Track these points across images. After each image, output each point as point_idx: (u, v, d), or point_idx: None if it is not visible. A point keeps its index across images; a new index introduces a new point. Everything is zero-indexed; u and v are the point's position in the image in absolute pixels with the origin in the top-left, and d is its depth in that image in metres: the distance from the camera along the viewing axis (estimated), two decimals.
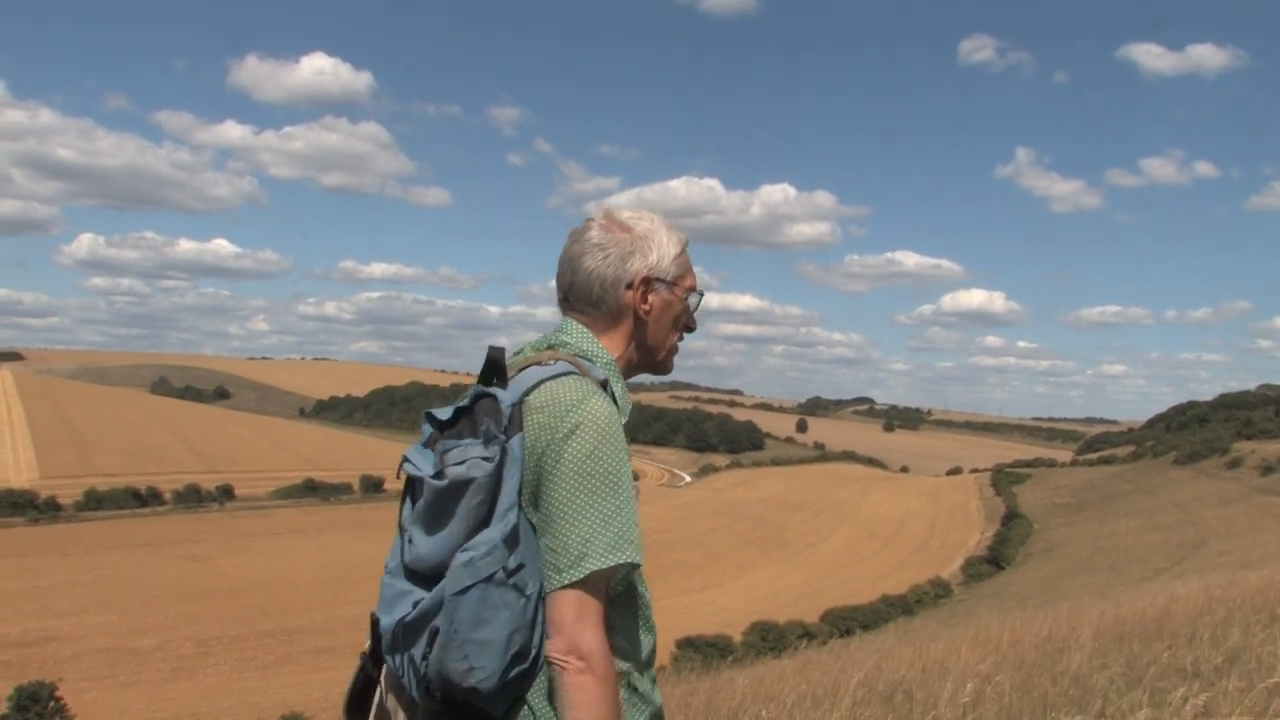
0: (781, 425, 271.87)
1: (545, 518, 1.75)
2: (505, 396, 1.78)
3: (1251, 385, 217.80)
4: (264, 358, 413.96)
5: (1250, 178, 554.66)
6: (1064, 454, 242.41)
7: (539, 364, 1.88)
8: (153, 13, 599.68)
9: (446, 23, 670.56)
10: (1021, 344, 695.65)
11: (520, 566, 1.69)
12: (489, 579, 1.65)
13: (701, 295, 2.10)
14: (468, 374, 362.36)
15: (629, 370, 2.04)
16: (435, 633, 1.66)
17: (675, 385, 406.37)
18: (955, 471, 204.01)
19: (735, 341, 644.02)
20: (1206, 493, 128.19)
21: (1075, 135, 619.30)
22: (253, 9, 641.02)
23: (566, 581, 1.71)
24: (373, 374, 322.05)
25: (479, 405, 1.78)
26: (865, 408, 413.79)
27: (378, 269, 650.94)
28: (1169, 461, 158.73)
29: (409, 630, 1.70)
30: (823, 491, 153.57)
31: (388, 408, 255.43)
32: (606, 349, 1.99)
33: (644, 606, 1.91)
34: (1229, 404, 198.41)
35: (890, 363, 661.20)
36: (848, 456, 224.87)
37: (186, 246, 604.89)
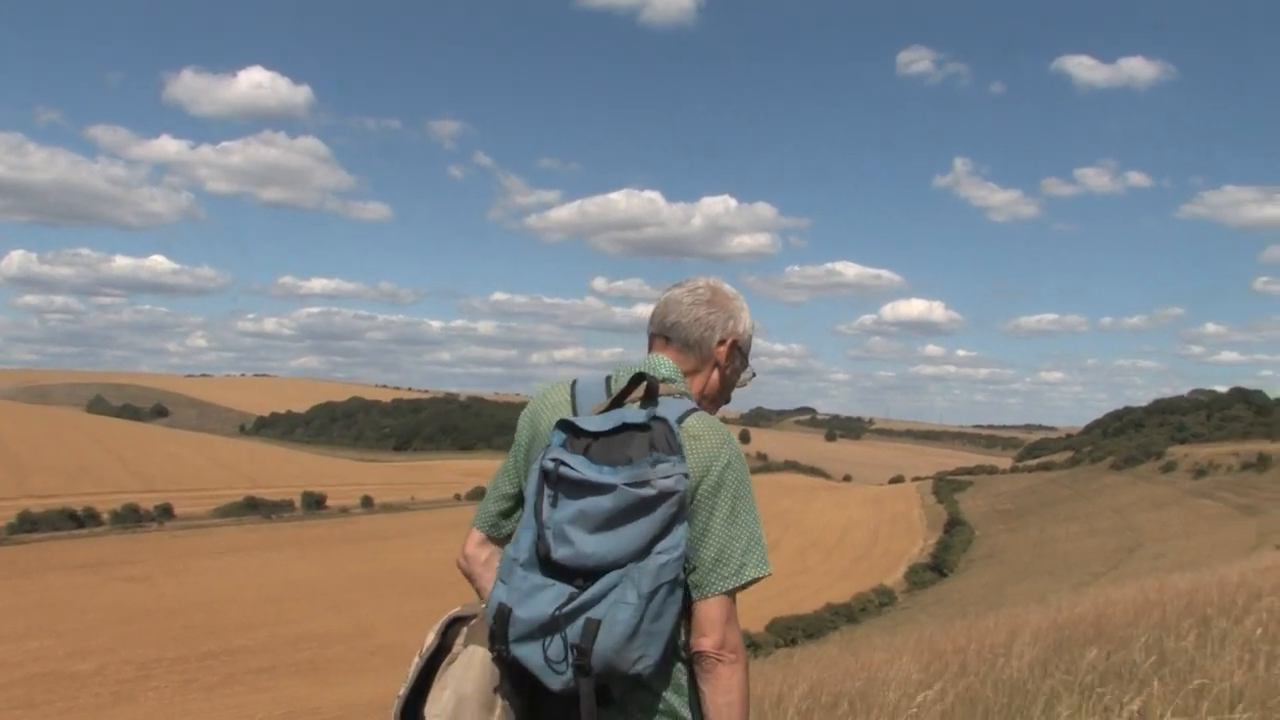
0: None
1: (709, 533, 2.02)
2: (670, 418, 2.00)
3: (1184, 390, 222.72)
4: (203, 375, 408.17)
5: (1181, 188, 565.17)
6: (1004, 461, 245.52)
7: (669, 395, 2.13)
8: (84, 25, 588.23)
9: (386, 36, 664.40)
10: (961, 352, 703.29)
11: (693, 569, 1.97)
12: (674, 580, 1.90)
13: (754, 375, 2.44)
14: (409, 389, 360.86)
15: None
16: (594, 623, 1.85)
17: None
18: (897, 480, 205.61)
19: None
20: (1142, 497, 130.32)
21: (1012, 146, 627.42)
22: (188, 22, 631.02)
23: (729, 587, 2.01)
24: (313, 390, 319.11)
25: (655, 425, 1.97)
26: (807, 418, 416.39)
27: (317, 284, 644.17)
28: (1106, 467, 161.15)
29: (567, 619, 1.87)
30: (766, 501, 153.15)
31: (329, 424, 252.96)
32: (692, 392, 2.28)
33: None
34: (1163, 409, 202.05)
35: (831, 372, 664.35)
36: (790, 466, 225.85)
37: (122, 263, 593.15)
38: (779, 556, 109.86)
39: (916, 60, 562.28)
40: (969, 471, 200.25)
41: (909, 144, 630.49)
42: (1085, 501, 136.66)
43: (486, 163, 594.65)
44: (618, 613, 1.85)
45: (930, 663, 6.47)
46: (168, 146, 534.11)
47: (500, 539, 2.32)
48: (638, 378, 2.12)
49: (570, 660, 1.88)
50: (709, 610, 1.99)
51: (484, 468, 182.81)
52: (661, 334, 2.33)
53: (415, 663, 2.08)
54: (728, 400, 2.43)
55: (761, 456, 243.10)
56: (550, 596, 1.90)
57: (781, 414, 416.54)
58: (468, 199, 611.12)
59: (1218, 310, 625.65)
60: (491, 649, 1.99)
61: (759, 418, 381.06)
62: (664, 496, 1.89)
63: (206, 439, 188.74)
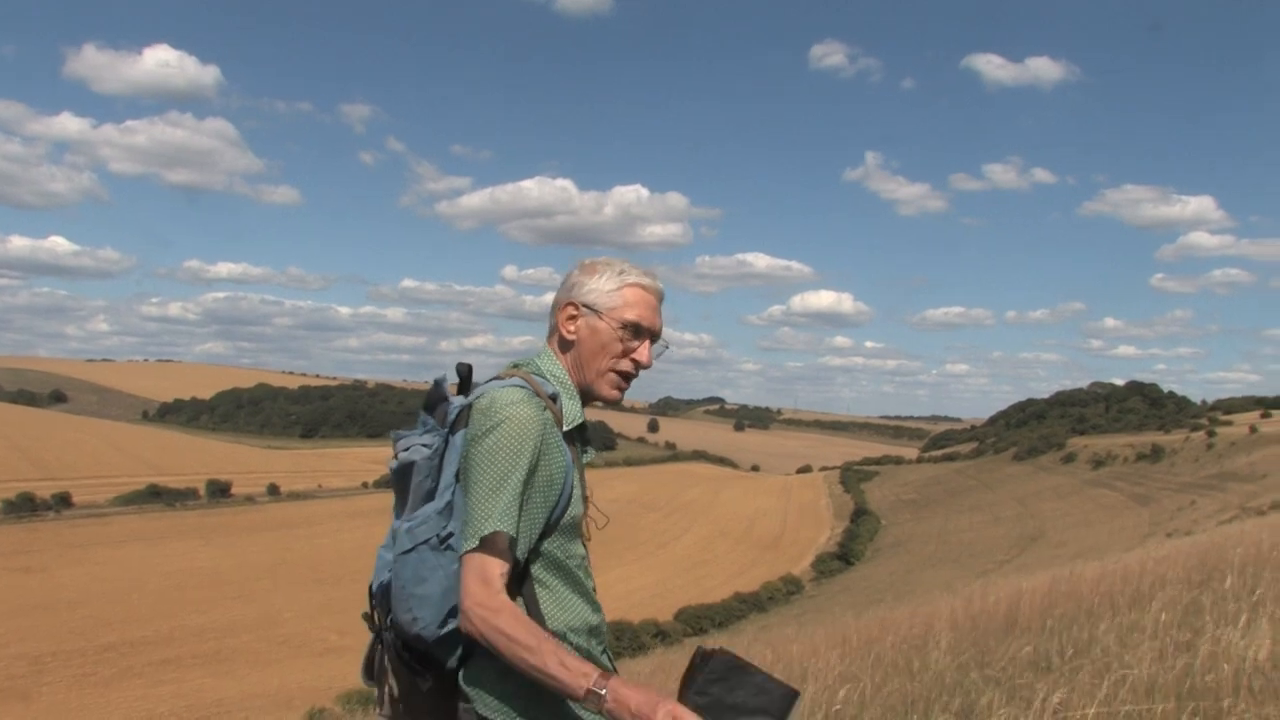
0: (633, 425, 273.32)
1: (465, 496, 2.11)
2: (456, 401, 2.21)
3: (1084, 383, 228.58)
4: (104, 359, 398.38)
5: (1084, 185, 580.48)
6: (910, 451, 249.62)
7: (501, 378, 2.27)
8: None
9: (297, 18, 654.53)
10: (869, 344, 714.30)
11: (451, 534, 2.09)
12: (425, 543, 2.07)
13: (655, 337, 2.39)
14: (316, 375, 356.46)
15: (583, 393, 2.37)
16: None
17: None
18: (805, 470, 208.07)
19: None
20: (1044, 487, 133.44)
21: (922, 140, 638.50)
22: None
23: (467, 548, 2.05)
24: (219, 376, 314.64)
25: (437, 408, 2.23)
26: (716, 407, 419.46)
27: (224, 269, 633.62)
28: (1009, 457, 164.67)
29: (385, 592, 2.16)
30: (675, 491, 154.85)
31: (235, 410, 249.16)
32: (563, 368, 2.35)
33: (575, 568, 2.25)
34: (1064, 401, 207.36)
35: (741, 363, 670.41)
36: (699, 456, 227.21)
37: (19, 243, 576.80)
38: (688, 544, 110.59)
39: (829, 54, 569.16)
40: (876, 462, 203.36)
41: (821, 137, 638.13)
42: (989, 491, 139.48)
43: (398, 148, 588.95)
44: (393, 578, 2.11)
45: (846, 654, 6.45)
46: (68, 124, 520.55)
47: None
48: (459, 368, 2.33)
49: (393, 629, 2.15)
50: (460, 570, 2.06)
51: (391, 455, 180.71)
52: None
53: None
54: (627, 369, 2.38)
55: (670, 446, 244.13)
56: (385, 572, 2.20)
57: (690, 404, 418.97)
58: (379, 185, 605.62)
59: (1117, 306, 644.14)
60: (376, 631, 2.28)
61: (667, 407, 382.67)
62: (406, 468, 2.16)
63: (107, 425, 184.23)
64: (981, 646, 5.85)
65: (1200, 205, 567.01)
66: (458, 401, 2.22)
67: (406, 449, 2.16)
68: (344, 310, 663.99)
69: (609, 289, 2.35)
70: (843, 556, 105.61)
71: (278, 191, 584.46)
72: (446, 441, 2.16)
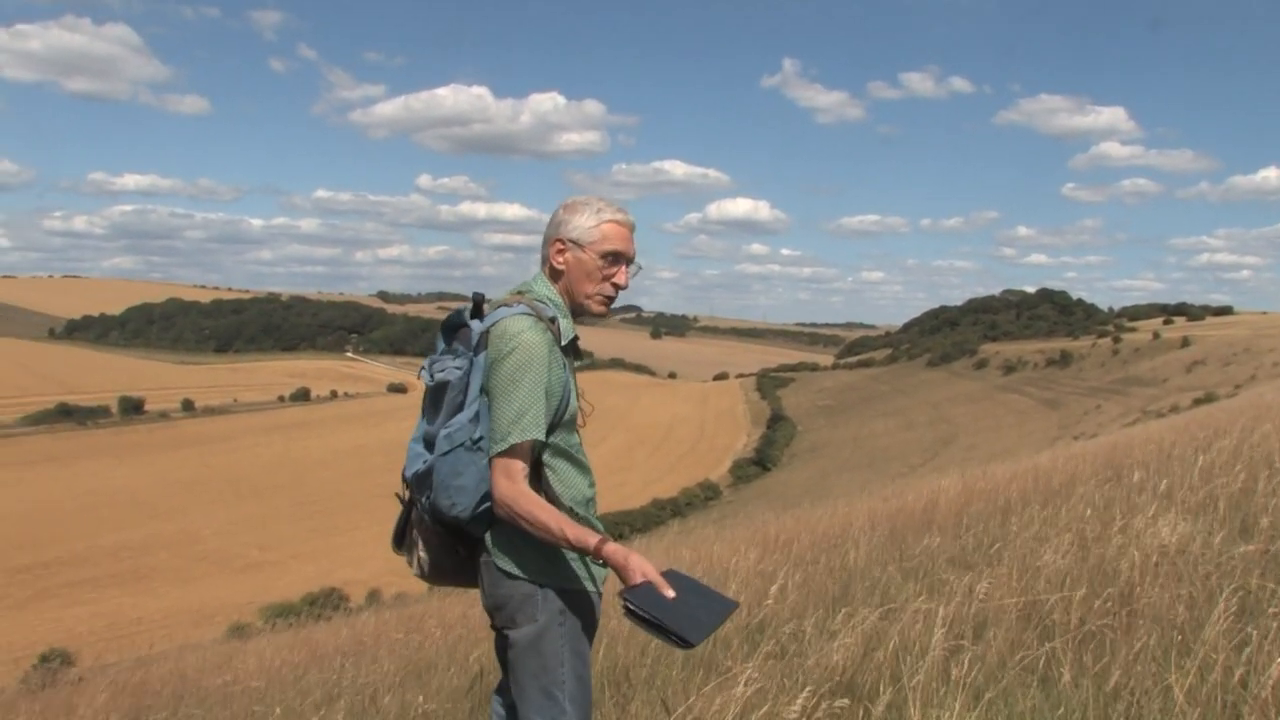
0: None
1: (490, 407, 2.66)
2: (477, 326, 2.74)
3: (996, 290, 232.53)
4: (6, 275, 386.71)
5: (1000, 94, 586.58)
6: (825, 358, 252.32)
7: (507, 305, 2.76)
8: None
9: None
10: (785, 251, 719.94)
11: (481, 438, 2.65)
12: (461, 445, 2.64)
13: (630, 262, 2.93)
14: (229, 289, 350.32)
15: (574, 310, 2.92)
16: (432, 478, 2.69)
17: (442, 297, 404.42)
18: (721, 377, 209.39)
19: (503, 251, 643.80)
20: (956, 392, 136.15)
21: (840, 48, 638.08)
22: None
23: (496, 451, 2.62)
24: (129, 291, 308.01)
25: (459, 333, 2.79)
26: (633, 315, 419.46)
27: (131, 180, 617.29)
28: (923, 363, 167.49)
29: (420, 480, 2.75)
30: (592, 399, 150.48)
31: (146, 326, 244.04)
32: (556, 293, 2.88)
33: (575, 453, 2.85)
34: (976, 308, 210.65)
35: (657, 270, 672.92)
36: (616, 364, 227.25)
37: None
38: (605, 452, 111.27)
39: None
40: (791, 368, 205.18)
41: (739, 43, 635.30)
42: (903, 397, 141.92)
43: (310, 55, 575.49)
44: (435, 474, 2.68)
45: (767, 554, 6.55)
46: None
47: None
48: (474, 296, 2.84)
49: (427, 510, 2.74)
50: (490, 470, 2.64)
51: (307, 368, 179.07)
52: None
53: (403, 507, 2.87)
54: (610, 293, 2.92)
55: (587, 353, 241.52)
56: (419, 463, 2.75)
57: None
58: (290, 93, 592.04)
59: (1029, 214, 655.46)
60: (405, 506, 2.87)
61: (584, 314, 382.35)
62: (442, 386, 2.71)
63: (12, 344, 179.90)
64: (900, 543, 5.98)
65: (1112, 115, 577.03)
66: (477, 326, 2.74)
67: (442, 370, 2.72)
68: (256, 222, 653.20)
69: (589, 225, 2.85)
70: (759, 462, 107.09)
71: (185, 101, 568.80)
72: (472, 362, 2.69)
